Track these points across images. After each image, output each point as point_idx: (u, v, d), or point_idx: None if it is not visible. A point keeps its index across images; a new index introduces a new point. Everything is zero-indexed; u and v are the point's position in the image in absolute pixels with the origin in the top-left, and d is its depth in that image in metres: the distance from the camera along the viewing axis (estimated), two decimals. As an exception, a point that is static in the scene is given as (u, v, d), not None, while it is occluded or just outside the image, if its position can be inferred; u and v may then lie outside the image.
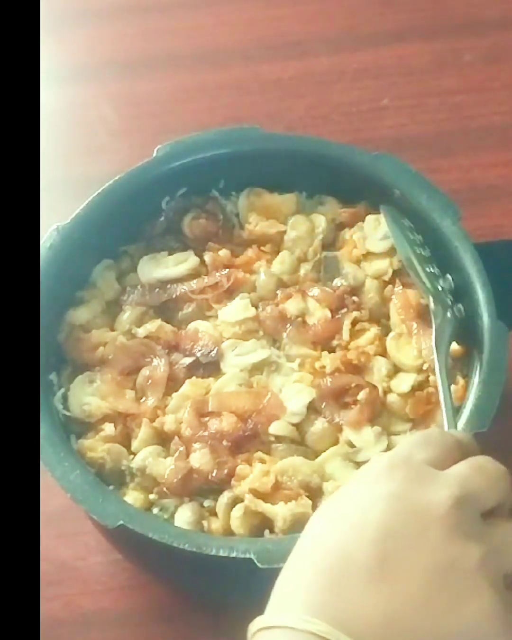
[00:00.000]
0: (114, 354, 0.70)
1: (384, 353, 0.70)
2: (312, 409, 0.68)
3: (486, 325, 0.66)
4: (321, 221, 0.75)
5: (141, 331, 0.71)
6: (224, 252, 0.73)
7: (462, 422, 0.63)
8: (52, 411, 0.67)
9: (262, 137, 0.76)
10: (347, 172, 0.75)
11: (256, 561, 0.58)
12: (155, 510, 0.66)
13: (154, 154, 0.74)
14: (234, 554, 0.59)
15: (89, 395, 0.69)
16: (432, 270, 0.71)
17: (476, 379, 0.65)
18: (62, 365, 0.71)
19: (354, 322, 0.70)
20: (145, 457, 0.67)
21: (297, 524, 0.62)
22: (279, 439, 0.66)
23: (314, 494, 0.64)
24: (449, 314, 0.68)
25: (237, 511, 0.64)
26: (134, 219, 0.74)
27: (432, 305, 0.69)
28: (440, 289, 0.70)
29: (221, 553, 0.59)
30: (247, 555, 0.59)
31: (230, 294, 0.72)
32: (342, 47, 0.99)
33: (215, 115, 0.94)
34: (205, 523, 0.65)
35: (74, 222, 0.72)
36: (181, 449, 0.66)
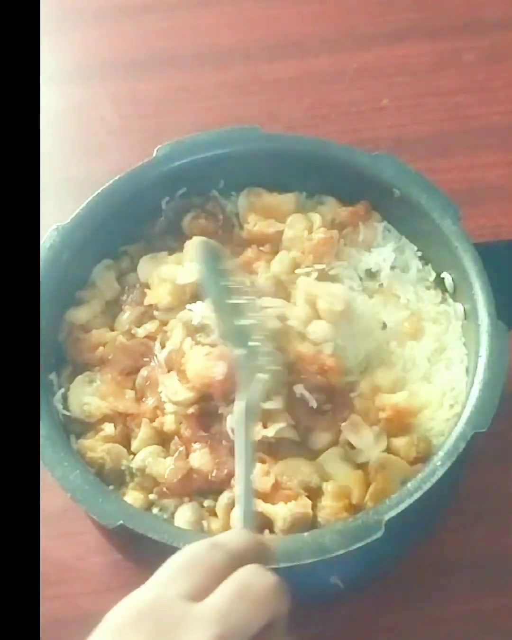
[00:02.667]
0: (113, 354, 0.70)
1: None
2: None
3: (486, 325, 0.66)
4: (317, 219, 0.75)
5: (141, 331, 0.71)
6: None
7: (462, 422, 0.63)
8: (52, 411, 0.67)
9: (262, 137, 0.76)
10: (347, 172, 0.75)
11: (256, 561, 0.58)
12: (155, 510, 0.66)
13: (154, 154, 0.75)
14: (234, 554, 0.59)
15: (89, 395, 0.69)
16: (247, 322, 0.62)
17: (476, 379, 0.65)
18: (62, 365, 0.71)
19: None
20: (145, 457, 0.67)
21: (297, 524, 0.62)
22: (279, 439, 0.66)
23: (314, 494, 0.65)
24: (262, 375, 0.60)
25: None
26: (134, 219, 0.75)
27: (238, 366, 0.62)
28: (253, 343, 0.62)
29: (221, 553, 0.59)
30: (247, 555, 0.59)
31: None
32: (342, 47, 0.99)
33: (215, 115, 0.94)
34: (205, 523, 0.65)
35: (74, 222, 0.72)
36: (181, 448, 0.66)
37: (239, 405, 0.58)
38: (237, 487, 0.56)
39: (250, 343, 0.61)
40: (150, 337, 0.71)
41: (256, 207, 0.76)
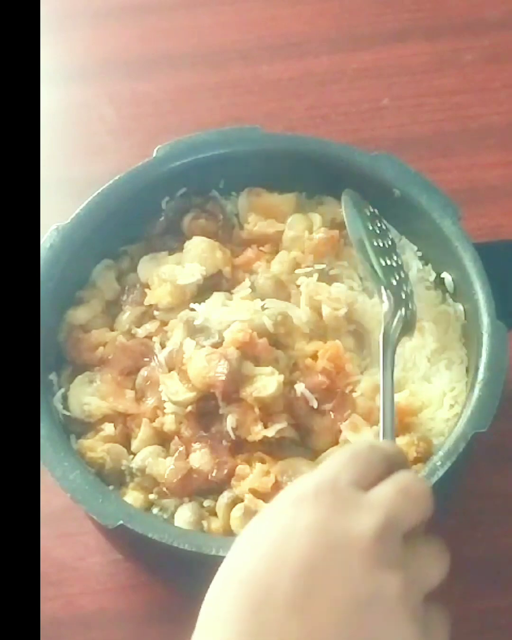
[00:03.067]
0: (113, 354, 0.70)
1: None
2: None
3: (486, 325, 0.66)
4: (317, 219, 0.75)
5: (141, 331, 0.71)
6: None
7: (462, 422, 0.63)
8: (52, 411, 0.67)
9: (262, 137, 0.76)
10: (347, 172, 0.75)
11: (255, 561, 0.58)
12: (155, 510, 0.66)
13: (154, 154, 0.74)
14: (234, 554, 0.59)
15: (89, 395, 0.69)
16: (390, 263, 0.70)
17: (476, 379, 0.65)
18: (62, 365, 0.71)
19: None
20: (145, 457, 0.67)
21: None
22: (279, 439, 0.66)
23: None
24: (402, 311, 0.68)
25: (237, 511, 0.64)
26: (134, 219, 0.74)
27: (383, 298, 0.69)
28: (394, 283, 0.70)
29: (221, 553, 0.59)
30: (247, 555, 0.59)
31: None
32: (342, 47, 0.99)
33: (215, 115, 0.94)
34: (205, 523, 0.65)
35: (74, 222, 0.72)
36: (181, 448, 0.66)
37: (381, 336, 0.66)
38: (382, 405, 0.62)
39: (393, 279, 0.70)
40: (150, 337, 0.71)
41: (256, 207, 0.76)
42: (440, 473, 0.61)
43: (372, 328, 0.71)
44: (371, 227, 0.72)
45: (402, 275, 0.71)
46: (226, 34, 1.00)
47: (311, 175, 0.76)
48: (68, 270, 0.71)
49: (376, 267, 0.70)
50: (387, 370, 0.64)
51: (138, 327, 0.72)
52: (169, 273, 0.71)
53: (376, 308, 0.72)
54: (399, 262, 0.72)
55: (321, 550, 0.46)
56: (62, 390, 0.69)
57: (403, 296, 0.69)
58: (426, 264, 0.75)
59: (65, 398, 0.69)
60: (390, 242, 0.72)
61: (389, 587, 0.46)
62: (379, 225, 0.73)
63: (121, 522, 0.60)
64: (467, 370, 0.70)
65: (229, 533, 0.64)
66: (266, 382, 0.66)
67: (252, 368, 0.66)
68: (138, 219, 0.75)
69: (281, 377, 0.66)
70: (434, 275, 0.74)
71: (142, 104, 0.97)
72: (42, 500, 0.57)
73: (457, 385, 0.69)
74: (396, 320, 0.67)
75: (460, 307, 0.72)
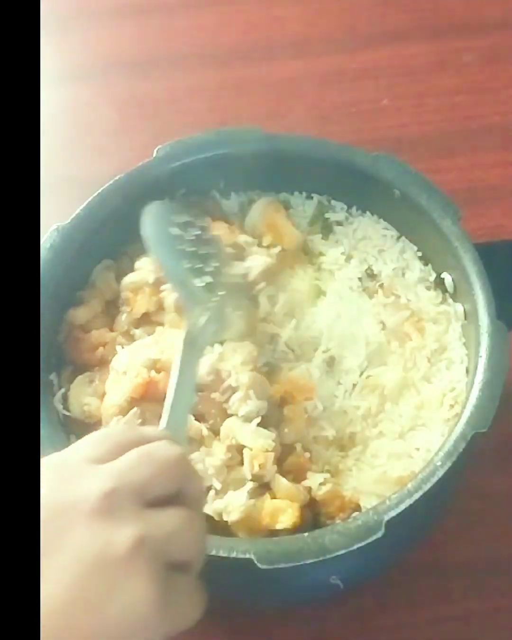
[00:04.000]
0: (113, 354, 0.70)
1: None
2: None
3: (485, 325, 0.66)
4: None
5: (139, 332, 0.71)
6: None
7: (462, 422, 0.63)
8: (52, 412, 0.67)
9: (262, 137, 0.76)
10: (347, 172, 0.75)
11: (255, 561, 0.58)
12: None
13: (154, 154, 0.75)
14: (234, 554, 0.59)
15: (89, 396, 0.69)
16: (198, 266, 0.65)
17: (476, 379, 0.65)
18: (62, 366, 0.71)
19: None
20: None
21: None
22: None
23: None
24: (203, 318, 0.63)
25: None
26: (134, 219, 0.74)
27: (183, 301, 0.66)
28: (200, 284, 0.64)
29: (221, 553, 0.59)
30: (247, 556, 0.59)
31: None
32: (342, 47, 0.99)
33: (215, 115, 0.94)
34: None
35: (74, 222, 0.72)
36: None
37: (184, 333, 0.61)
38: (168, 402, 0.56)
39: (198, 283, 0.64)
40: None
41: (269, 224, 0.75)
42: (440, 473, 0.61)
43: (372, 328, 0.71)
44: (176, 233, 0.67)
45: (213, 279, 0.65)
46: (226, 34, 1.00)
47: (311, 175, 0.76)
48: (68, 270, 0.71)
49: (172, 273, 0.66)
50: (187, 368, 0.59)
51: (137, 328, 0.71)
52: (138, 279, 0.71)
53: (377, 308, 0.72)
54: (216, 265, 0.66)
55: (45, 524, 0.45)
56: (62, 390, 0.69)
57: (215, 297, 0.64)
58: (426, 264, 0.75)
59: (65, 398, 0.69)
60: (200, 247, 0.67)
61: (117, 543, 0.44)
62: (190, 231, 0.68)
63: (121, 522, 0.60)
64: (467, 371, 0.69)
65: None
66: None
67: None
68: (138, 219, 0.75)
69: None
70: (434, 275, 0.74)
71: (142, 104, 0.97)
72: (42, 501, 0.57)
73: (457, 385, 0.69)
74: (202, 320, 0.63)
75: (460, 307, 0.72)
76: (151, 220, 0.67)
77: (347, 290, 0.73)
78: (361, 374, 0.69)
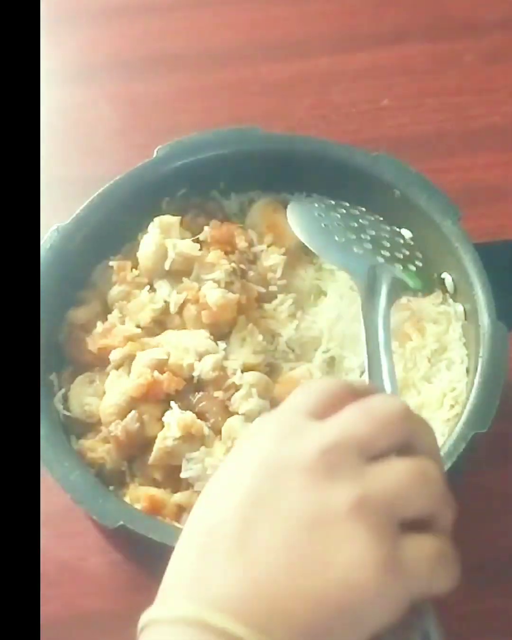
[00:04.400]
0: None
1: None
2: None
3: (485, 326, 0.66)
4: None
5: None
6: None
7: (462, 422, 0.63)
8: (52, 411, 0.67)
9: (262, 137, 0.76)
10: (347, 172, 0.75)
11: (256, 561, 0.58)
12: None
13: (154, 154, 0.74)
14: (234, 554, 0.59)
15: (89, 396, 0.69)
16: (353, 238, 0.70)
17: (476, 379, 0.65)
18: (62, 366, 0.71)
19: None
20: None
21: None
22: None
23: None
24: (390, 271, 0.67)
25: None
26: (134, 219, 0.74)
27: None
28: (386, 255, 0.69)
29: (221, 553, 0.59)
30: (247, 556, 0.59)
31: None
32: (342, 47, 0.99)
33: (215, 115, 0.94)
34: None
35: (74, 222, 0.72)
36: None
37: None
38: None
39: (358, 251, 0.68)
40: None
41: (270, 225, 0.75)
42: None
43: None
44: (324, 224, 0.71)
45: (373, 245, 0.70)
46: (226, 34, 1.00)
47: (311, 175, 0.76)
48: (68, 270, 0.71)
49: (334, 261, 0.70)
50: (372, 330, 0.62)
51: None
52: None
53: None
54: (379, 233, 0.71)
55: (262, 480, 0.43)
56: (63, 390, 0.69)
57: (397, 255, 0.69)
58: (427, 265, 0.75)
59: (65, 398, 0.69)
60: (357, 222, 0.72)
61: (337, 500, 0.42)
62: (336, 214, 0.72)
63: (122, 522, 0.60)
64: (467, 370, 0.69)
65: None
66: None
67: None
68: (138, 219, 0.75)
69: None
70: (434, 275, 0.74)
71: (142, 104, 0.96)
72: (42, 501, 0.57)
73: (458, 385, 0.69)
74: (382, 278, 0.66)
75: (460, 307, 0.72)
76: (298, 222, 0.71)
77: (347, 290, 0.73)
78: (362, 374, 0.69)
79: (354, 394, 0.47)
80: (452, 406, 0.68)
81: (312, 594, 0.41)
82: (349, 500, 0.42)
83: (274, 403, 0.67)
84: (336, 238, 0.70)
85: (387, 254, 0.70)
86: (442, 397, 0.69)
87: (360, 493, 0.42)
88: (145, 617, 0.45)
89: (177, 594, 0.44)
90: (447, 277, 0.73)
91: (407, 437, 0.45)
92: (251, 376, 0.66)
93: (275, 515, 0.42)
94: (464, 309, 0.71)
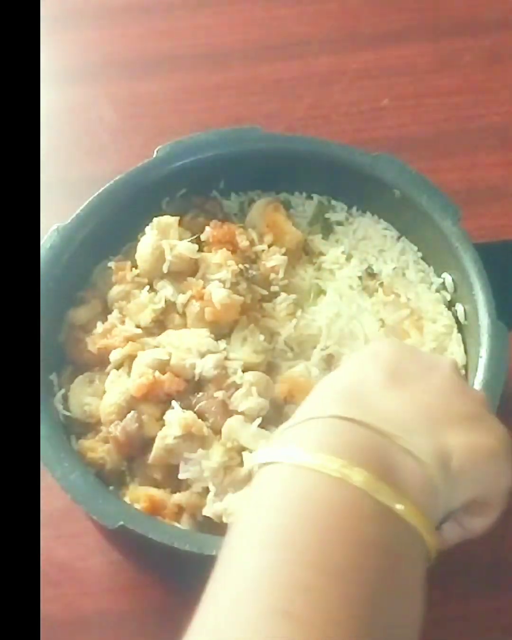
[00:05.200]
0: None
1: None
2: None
3: (486, 325, 0.66)
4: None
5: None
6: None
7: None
8: (52, 412, 0.67)
9: (262, 137, 0.76)
10: (347, 172, 0.75)
11: (256, 561, 0.58)
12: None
13: (154, 154, 0.75)
14: (234, 555, 0.59)
15: (89, 396, 0.69)
16: None
17: (476, 379, 0.65)
18: (62, 366, 0.71)
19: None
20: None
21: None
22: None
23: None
24: None
25: None
26: (134, 219, 0.74)
27: None
28: None
29: (221, 553, 0.59)
30: (248, 556, 0.59)
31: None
32: (342, 47, 0.99)
33: (215, 115, 0.94)
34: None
35: (74, 222, 0.72)
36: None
37: None
38: None
39: None
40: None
41: (270, 224, 0.75)
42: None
43: (371, 327, 0.71)
44: None
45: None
46: (226, 34, 1.00)
47: (311, 175, 0.76)
48: (68, 270, 0.71)
49: None
50: None
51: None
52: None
53: (376, 306, 0.72)
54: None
55: (407, 356, 0.50)
56: (63, 390, 0.69)
57: None
58: (428, 265, 0.75)
59: (65, 398, 0.69)
60: None
61: (477, 394, 0.50)
62: None
63: (122, 522, 0.60)
64: (465, 368, 0.69)
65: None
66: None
67: None
68: (138, 219, 0.75)
69: None
70: (434, 275, 0.74)
71: (142, 104, 0.96)
72: (42, 501, 0.57)
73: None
74: None
75: (460, 307, 0.72)
76: None
77: (347, 289, 0.73)
78: None
79: None
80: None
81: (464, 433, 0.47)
82: (482, 398, 0.51)
83: (274, 402, 0.67)
84: None
85: None
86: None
87: (485, 403, 0.51)
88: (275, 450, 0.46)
89: (324, 420, 0.46)
90: (448, 278, 0.73)
91: None
92: (252, 375, 0.66)
93: (426, 379, 0.49)
94: (464, 309, 0.71)
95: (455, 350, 0.71)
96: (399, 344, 0.54)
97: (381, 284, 0.74)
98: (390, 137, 0.92)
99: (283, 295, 0.72)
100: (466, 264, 0.69)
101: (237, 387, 0.66)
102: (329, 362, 0.70)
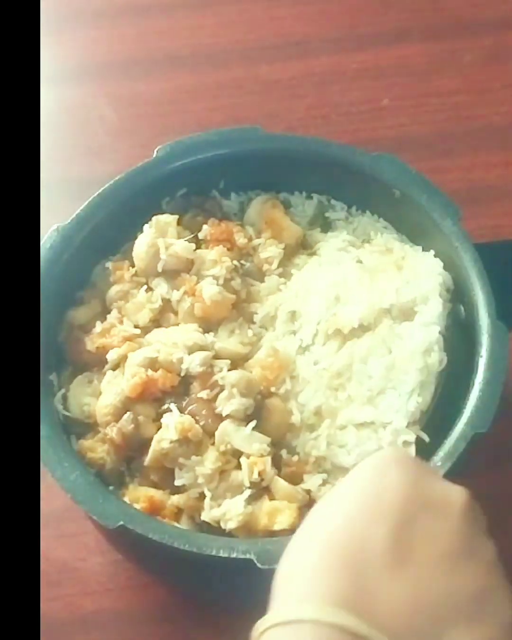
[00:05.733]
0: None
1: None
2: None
3: (486, 325, 0.66)
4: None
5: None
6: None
7: (462, 422, 0.63)
8: (52, 412, 0.67)
9: (262, 137, 0.76)
10: (347, 172, 0.75)
11: (255, 561, 0.58)
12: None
13: (154, 154, 0.75)
14: (234, 554, 0.59)
15: (88, 396, 0.69)
16: None
17: (476, 379, 0.65)
18: (62, 366, 0.71)
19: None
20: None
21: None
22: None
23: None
24: None
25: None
26: (134, 219, 0.74)
27: None
28: None
29: (221, 553, 0.59)
30: (247, 556, 0.59)
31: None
32: (342, 47, 0.99)
33: (215, 115, 0.94)
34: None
35: (74, 222, 0.72)
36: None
37: None
38: None
39: None
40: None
41: (268, 220, 0.75)
42: (440, 473, 0.61)
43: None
44: None
45: None
46: (226, 34, 1.00)
47: (311, 175, 0.76)
48: (68, 270, 0.71)
49: None
50: None
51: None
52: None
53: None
54: None
55: (416, 505, 0.46)
56: (62, 390, 0.69)
57: None
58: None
59: (65, 398, 0.69)
60: None
61: (487, 550, 0.46)
62: None
63: (121, 522, 0.60)
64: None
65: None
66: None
67: None
68: (138, 219, 0.75)
69: None
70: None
71: (142, 104, 0.96)
72: (42, 501, 0.57)
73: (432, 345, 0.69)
74: None
75: (460, 307, 0.72)
76: None
77: (334, 253, 0.73)
78: (319, 322, 0.69)
79: None
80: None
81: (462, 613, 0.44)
82: (493, 554, 0.47)
83: (251, 385, 0.67)
84: None
85: None
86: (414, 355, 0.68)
87: (496, 554, 0.47)
88: (274, 618, 0.44)
89: (322, 600, 0.43)
90: (448, 277, 0.73)
91: None
92: (231, 376, 0.66)
93: (435, 543, 0.45)
94: (464, 309, 0.71)
95: (433, 306, 0.70)
96: (406, 471, 0.48)
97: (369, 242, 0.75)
98: (390, 137, 0.92)
99: (273, 277, 0.73)
100: (466, 264, 0.69)
101: (221, 388, 0.66)
102: (293, 319, 0.70)
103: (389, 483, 0.46)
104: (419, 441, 0.66)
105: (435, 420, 0.67)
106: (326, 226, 0.77)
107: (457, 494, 0.47)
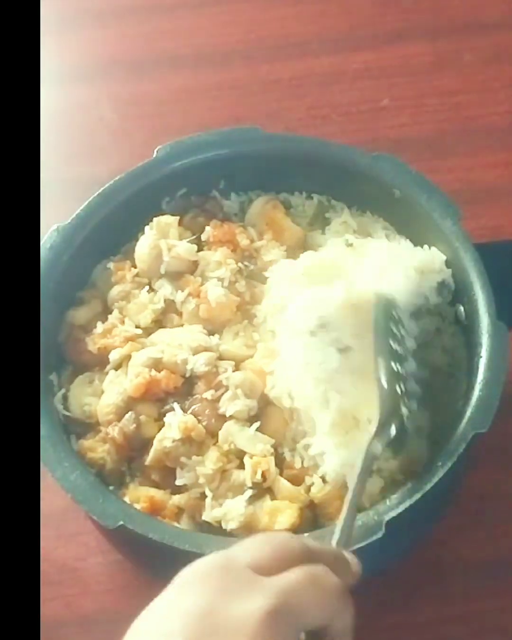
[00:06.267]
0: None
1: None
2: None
3: (485, 325, 0.66)
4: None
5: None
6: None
7: (462, 422, 0.63)
8: (52, 412, 0.67)
9: (262, 137, 0.76)
10: (347, 172, 0.75)
11: (256, 561, 0.58)
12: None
13: (154, 155, 0.75)
14: (234, 555, 0.59)
15: (89, 396, 0.69)
16: (399, 370, 0.63)
17: (476, 379, 0.65)
18: (62, 366, 0.71)
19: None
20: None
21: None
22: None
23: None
24: (393, 427, 0.60)
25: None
26: (134, 219, 0.74)
27: (379, 403, 0.61)
28: (399, 392, 0.62)
29: (221, 553, 0.59)
30: (248, 556, 0.59)
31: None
32: (342, 47, 0.99)
33: (215, 115, 0.94)
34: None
35: (74, 222, 0.72)
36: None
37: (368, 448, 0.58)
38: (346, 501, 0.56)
39: (398, 388, 0.62)
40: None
41: (269, 222, 0.75)
42: (440, 473, 0.61)
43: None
44: (394, 330, 0.65)
45: (404, 389, 0.62)
46: (226, 34, 1.00)
47: (311, 175, 0.76)
48: (68, 270, 0.71)
49: (382, 373, 0.62)
50: (359, 482, 0.56)
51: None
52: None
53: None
54: (406, 373, 0.64)
55: (204, 633, 0.43)
56: (63, 390, 0.69)
57: (401, 409, 0.61)
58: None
59: (65, 398, 0.69)
60: (404, 350, 0.65)
61: None
62: (400, 330, 0.66)
63: (122, 522, 0.60)
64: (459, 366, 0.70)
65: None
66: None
67: None
68: (138, 220, 0.75)
69: None
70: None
71: (143, 104, 0.97)
72: (42, 501, 0.57)
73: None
74: (383, 435, 0.59)
75: (460, 307, 0.72)
76: (380, 314, 0.65)
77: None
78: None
79: (307, 552, 0.47)
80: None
81: None
82: None
83: (255, 386, 0.66)
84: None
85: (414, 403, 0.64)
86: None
87: None
88: None
89: None
90: (448, 277, 0.73)
91: (333, 616, 0.46)
92: (236, 377, 0.66)
93: None
94: (464, 309, 0.71)
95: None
96: (204, 592, 0.45)
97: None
98: (390, 137, 0.92)
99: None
100: (466, 264, 0.69)
101: (225, 388, 0.66)
102: (282, 310, 0.69)
103: (182, 612, 0.44)
104: (420, 443, 0.66)
105: (435, 420, 0.67)
106: (326, 226, 0.77)
107: (250, 611, 0.43)
